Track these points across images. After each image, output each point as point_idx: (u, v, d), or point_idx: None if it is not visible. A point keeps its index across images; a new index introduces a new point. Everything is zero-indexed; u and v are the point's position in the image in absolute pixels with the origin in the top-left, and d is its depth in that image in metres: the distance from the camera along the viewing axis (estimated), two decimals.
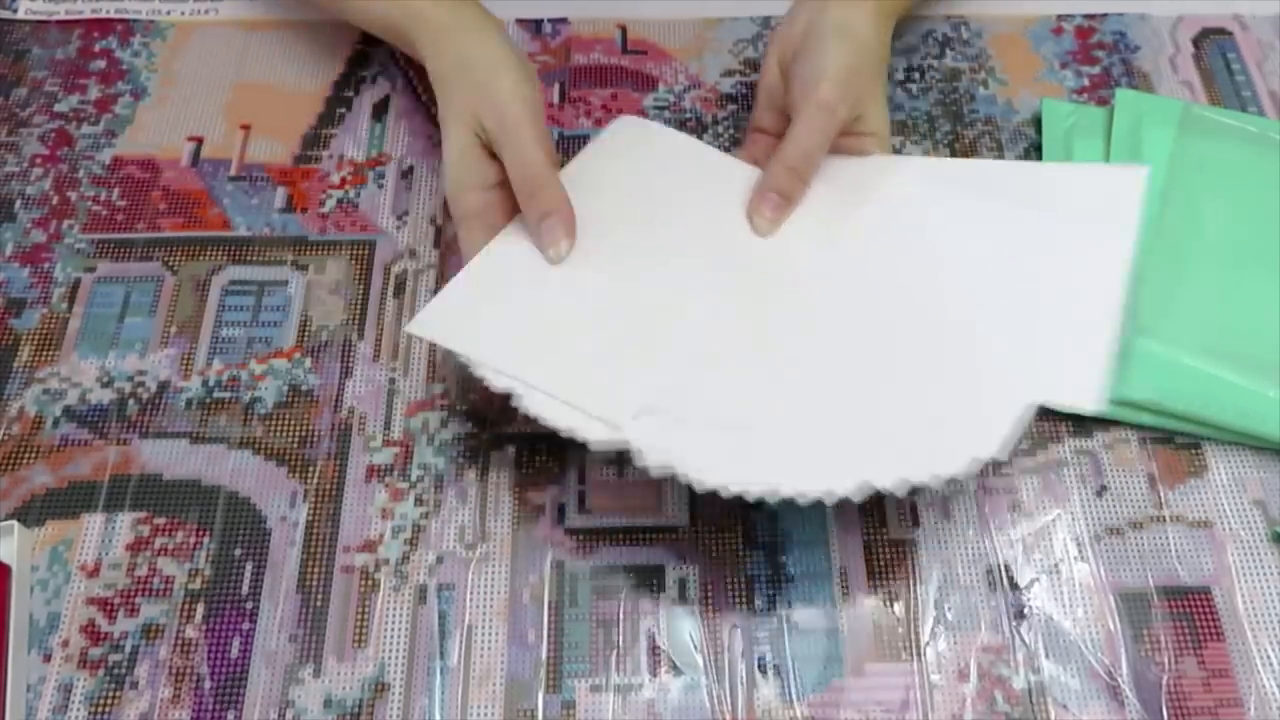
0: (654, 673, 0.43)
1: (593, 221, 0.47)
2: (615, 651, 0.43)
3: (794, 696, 0.42)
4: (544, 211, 0.46)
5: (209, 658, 0.43)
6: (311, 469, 0.47)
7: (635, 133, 0.53)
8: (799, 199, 0.49)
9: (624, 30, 0.62)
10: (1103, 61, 0.60)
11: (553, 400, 0.42)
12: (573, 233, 0.47)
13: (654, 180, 0.51)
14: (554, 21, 0.62)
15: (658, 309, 0.46)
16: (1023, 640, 0.43)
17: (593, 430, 0.41)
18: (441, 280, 0.52)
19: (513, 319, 0.45)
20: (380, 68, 0.60)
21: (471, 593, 0.44)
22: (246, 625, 0.44)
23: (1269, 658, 0.43)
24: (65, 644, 0.43)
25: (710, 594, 0.44)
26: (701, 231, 0.49)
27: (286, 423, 0.48)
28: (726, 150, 0.54)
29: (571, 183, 0.47)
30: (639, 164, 0.51)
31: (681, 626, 0.44)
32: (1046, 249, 0.49)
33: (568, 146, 0.57)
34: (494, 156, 0.48)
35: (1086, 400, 0.46)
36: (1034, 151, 0.56)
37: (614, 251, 0.47)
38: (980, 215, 0.50)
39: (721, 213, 0.49)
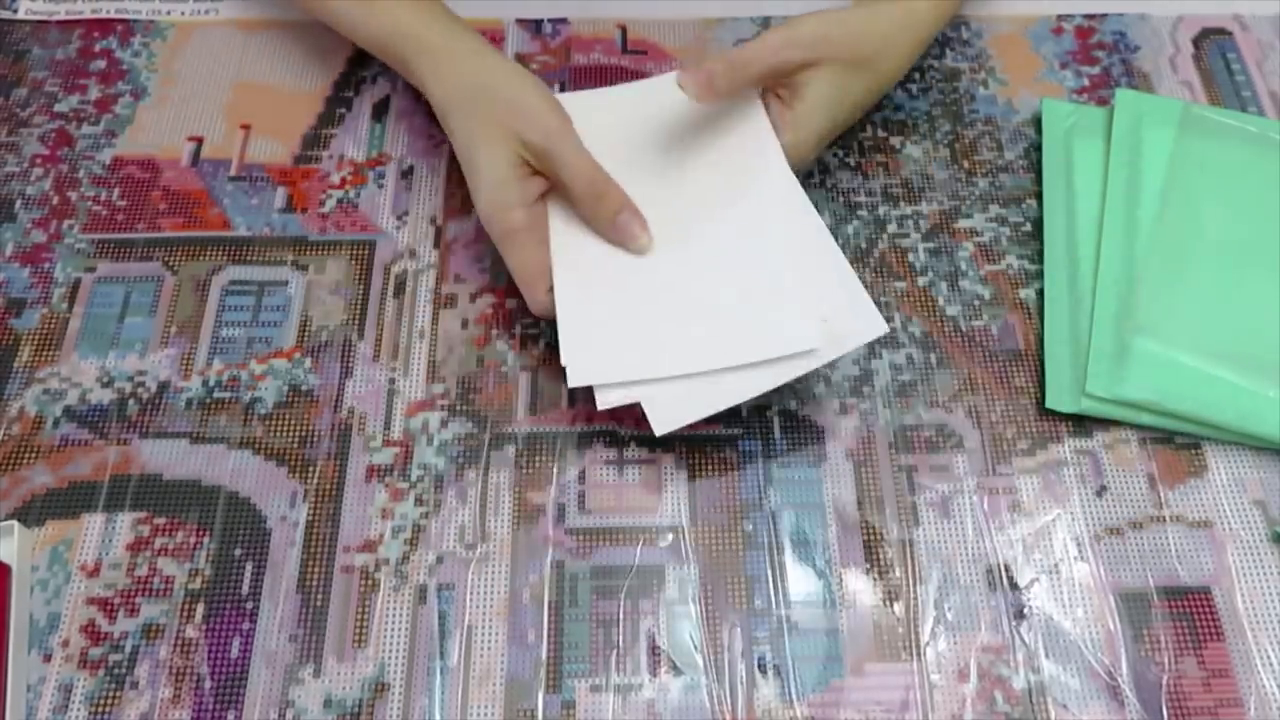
0: (654, 673, 0.43)
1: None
2: (615, 651, 0.43)
3: (794, 696, 0.42)
4: (615, 210, 0.48)
5: (209, 658, 0.43)
6: (311, 469, 0.47)
7: (580, 105, 0.52)
8: (723, 88, 0.49)
9: (624, 30, 0.62)
10: (1103, 61, 0.60)
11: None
12: (645, 222, 0.48)
13: (623, 138, 0.52)
14: (554, 21, 0.62)
15: (661, 265, 0.49)
16: (1023, 640, 0.43)
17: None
18: (442, 280, 0.52)
19: (625, 329, 0.47)
20: (380, 68, 0.60)
21: (471, 593, 0.44)
22: (246, 625, 0.44)
23: (1269, 658, 0.43)
24: (65, 644, 0.43)
25: (710, 594, 0.44)
26: (653, 167, 0.51)
27: (286, 423, 0.48)
28: None
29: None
30: (606, 131, 0.51)
31: (681, 626, 0.44)
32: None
33: None
34: (534, 172, 0.48)
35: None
36: (1034, 151, 0.56)
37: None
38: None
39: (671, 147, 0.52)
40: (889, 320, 0.51)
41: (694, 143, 0.52)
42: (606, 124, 0.51)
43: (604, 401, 0.45)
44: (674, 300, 0.47)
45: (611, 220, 0.48)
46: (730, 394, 0.45)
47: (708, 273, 0.48)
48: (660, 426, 0.44)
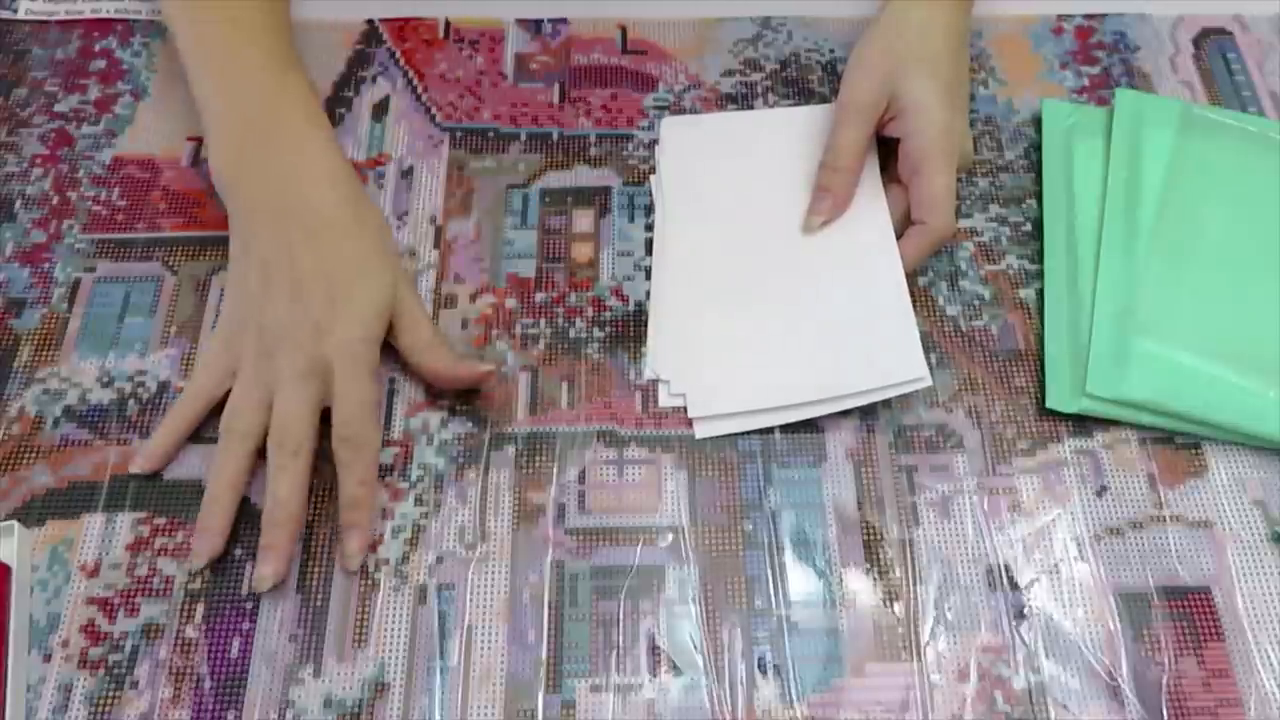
0: (654, 673, 0.43)
1: (697, 222, 0.53)
2: (615, 651, 0.43)
3: (794, 696, 0.42)
4: (453, 362, 0.48)
5: (209, 658, 0.43)
6: (311, 469, 0.47)
7: (684, 130, 0.57)
8: (843, 191, 0.52)
9: (624, 30, 0.62)
10: (1103, 61, 0.60)
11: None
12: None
13: (722, 168, 0.55)
14: (554, 21, 0.62)
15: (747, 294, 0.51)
16: (1023, 640, 0.43)
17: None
18: (442, 280, 0.52)
19: (720, 359, 0.49)
20: (380, 68, 0.60)
21: (471, 593, 0.44)
22: (246, 625, 0.44)
23: (1269, 658, 0.43)
24: (65, 644, 0.43)
25: (710, 594, 0.44)
26: (762, 211, 0.54)
27: None
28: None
29: (668, 198, 0.54)
30: (703, 160, 0.55)
31: (681, 626, 0.44)
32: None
33: (568, 146, 0.57)
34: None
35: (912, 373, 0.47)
36: (1034, 151, 0.56)
37: (719, 246, 0.53)
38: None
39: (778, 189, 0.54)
40: None
41: (804, 180, 0.54)
42: (721, 148, 0.55)
43: (703, 432, 0.48)
44: (761, 333, 0.49)
45: (452, 368, 0.48)
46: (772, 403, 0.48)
47: (791, 308, 0.50)
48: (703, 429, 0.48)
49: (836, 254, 0.51)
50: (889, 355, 0.47)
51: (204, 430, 0.48)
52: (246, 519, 0.46)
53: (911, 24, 0.52)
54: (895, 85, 0.50)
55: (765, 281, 0.51)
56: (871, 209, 0.52)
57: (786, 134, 0.55)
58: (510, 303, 0.52)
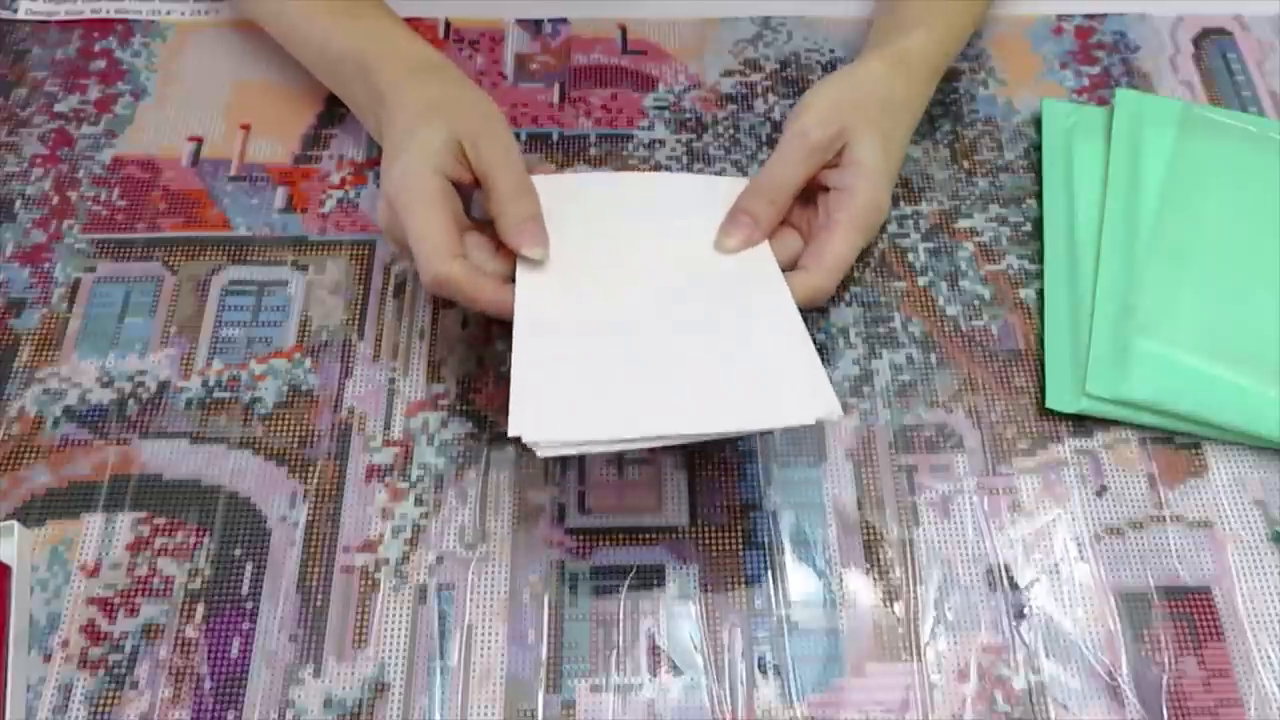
0: (654, 673, 0.43)
1: (574, 256, 0.47)
2: (615, 651, 0.43)
3: (794, 696, 0.42)
4: (527, 214, 0.46)
5: (209, 658, 0.43)
6: (311, 469, 0.47)
7: (555, 188, 0.50)
8: (768, 224, 0.49)
9: (624, 30, 0.62)
10: (1103, 61, 0.60)
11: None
12: (547, 238, 0.46)
13: (594, 220, 0.50)
14: (554, 21, 0.62)
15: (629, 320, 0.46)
16: (1023, 640, 0.43)
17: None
18: None
19: (583, 381, 0.43)
20: None
21: (471, 593, 0.44)
22: (246, 625, 0.44)
23: (1269, 658, 0.43)
24: (65, 644, 0.43)
25: (710, 594, 0.44)
26: (636, 245, 0.49)
27: (286, 423, 0.48)
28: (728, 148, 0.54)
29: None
30: (577, 212, 0.50)
31: (681, 626, 0.44)
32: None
33: (568, 146, 0.57)
34: (459, 163, 0.46)
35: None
36: (1034, 151, 0.57)
37: (595, 278, 0.47)
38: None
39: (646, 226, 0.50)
40: (889, 320, 0.51)
41: (685, 237, 0.50)
42: (594, 206, 0.51)
43: (543, 453, 0.40)
44: (636, 360, 0.44)
45: (519, 223, 0.46)
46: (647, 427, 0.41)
47: (672, 337, 0.45)
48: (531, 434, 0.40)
49: (721, 296, 0.47)
50: (787, 387, 0.42)
51: (204, 430, 0.48)
52: (247, 518, 0.46)
53: (881, 87, 0.50)
54: (850, 137, 0.48)
55: (643, 316, 0.46)
56: (757, 258, 0.48)
57: (671, 197, 0.51)
58: None
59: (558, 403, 0.41)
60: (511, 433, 0.39)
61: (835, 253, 0.47)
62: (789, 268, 0.48)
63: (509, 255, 0.47)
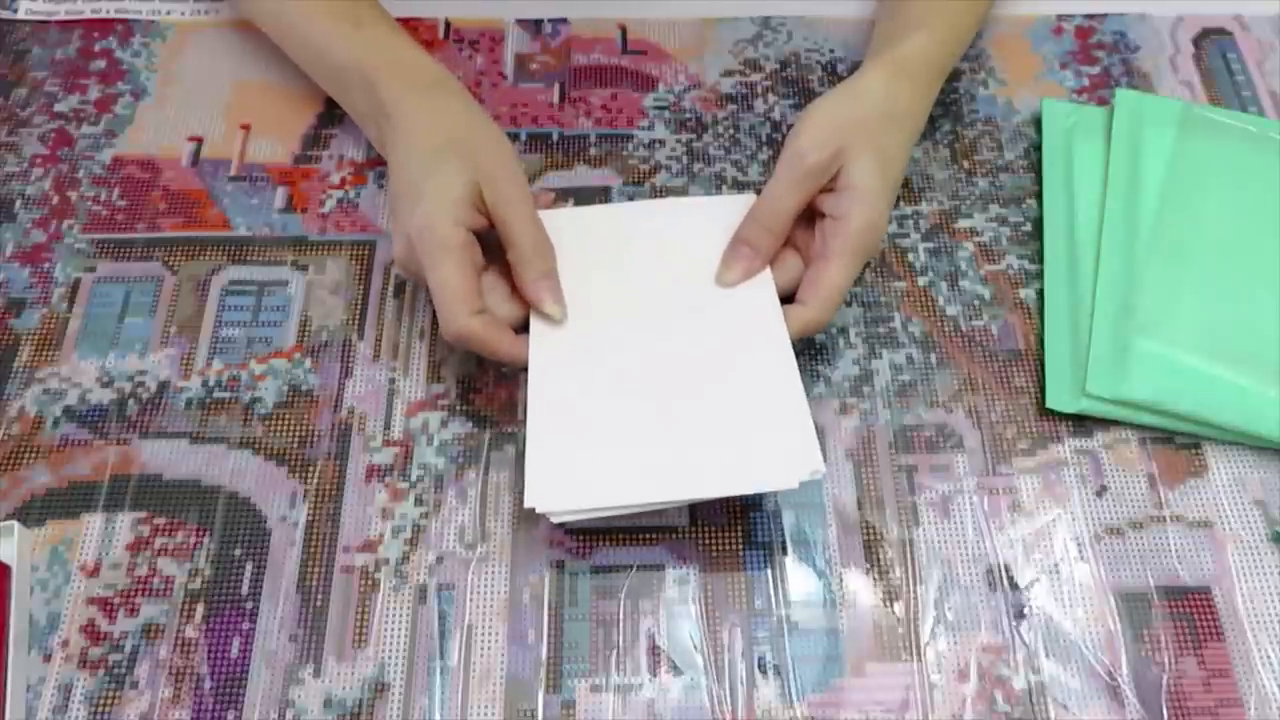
0: (654, 673, 0.43)
1: (582, 300, 0.48)
2: (615, 651, 0.43)
3: (794, 696, 0.42)
4: (544, 271, 0.47)
5: (209, 658, 0.43)
6: (311, 469, 0.47)
7: (561, 223, 0.50)
8: (768, 252, 0.48)
9: (624, 30, 0.62)
10: (1103, 61, 0.60)
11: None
12: (562, 295, 0.48)
13: (603, 262, 0.50)
14: (554, 21, 0.62)
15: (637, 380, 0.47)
16: (1023, 640, 0.43)
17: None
18: None
19: (591, 450, 0.44)
20: None
21: (471, 593, 0.44)
22: (246, 625, 0.44)
23: (1269, 658, 0.43)
24: (65, 644, 0.43)
25: (710, 594, 0.44)
26: (641, 284, 0.49)
27: (286, 423, 0.48)
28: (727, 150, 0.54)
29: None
30: (581, 249, 0.50)
31: (681, 626, 0.44)
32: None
33: (568, 146, 0.57)
34: (478, 212, 0.46)
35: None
36: (1034, 151, 0.57)
37: (603, 321, 0.48)
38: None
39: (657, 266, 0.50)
40: (889, 320, 0.51)
41: (688, 268, 0.50)
42: (598, 242, 0.51)
43: (556, 519, 0.43)
44: (640, 427, 0.45)
45: (536, 279, 0.46)
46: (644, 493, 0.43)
47: (674, 400, 0.46)
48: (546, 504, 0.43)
49: (722, 344, 0.47)
50: (778, 448, 0.43)
51: (204, 430, 0.48)
52: (247, 518, 0.46)
53: (882, 100, 0.49)
54: (847, 159, 0.47)
55: (647, 375, 0.46)
56: (758, 288, 0.48)
57: (672, 225, 0.51)
58: None
59: (568, 475, 0.43)
60: (527, 504, 0.42)
61: (831, 284, 0.46)
62: (789, 292, 0.48)
63: (524, 300, 0.47)
